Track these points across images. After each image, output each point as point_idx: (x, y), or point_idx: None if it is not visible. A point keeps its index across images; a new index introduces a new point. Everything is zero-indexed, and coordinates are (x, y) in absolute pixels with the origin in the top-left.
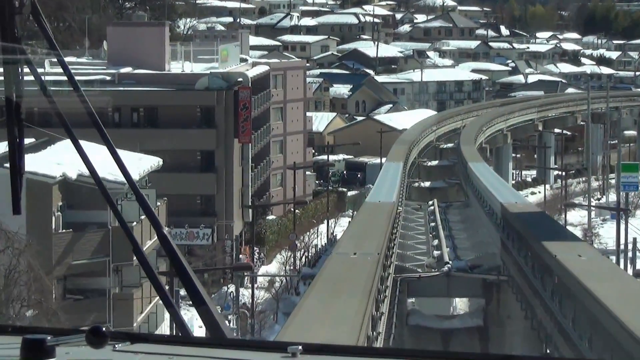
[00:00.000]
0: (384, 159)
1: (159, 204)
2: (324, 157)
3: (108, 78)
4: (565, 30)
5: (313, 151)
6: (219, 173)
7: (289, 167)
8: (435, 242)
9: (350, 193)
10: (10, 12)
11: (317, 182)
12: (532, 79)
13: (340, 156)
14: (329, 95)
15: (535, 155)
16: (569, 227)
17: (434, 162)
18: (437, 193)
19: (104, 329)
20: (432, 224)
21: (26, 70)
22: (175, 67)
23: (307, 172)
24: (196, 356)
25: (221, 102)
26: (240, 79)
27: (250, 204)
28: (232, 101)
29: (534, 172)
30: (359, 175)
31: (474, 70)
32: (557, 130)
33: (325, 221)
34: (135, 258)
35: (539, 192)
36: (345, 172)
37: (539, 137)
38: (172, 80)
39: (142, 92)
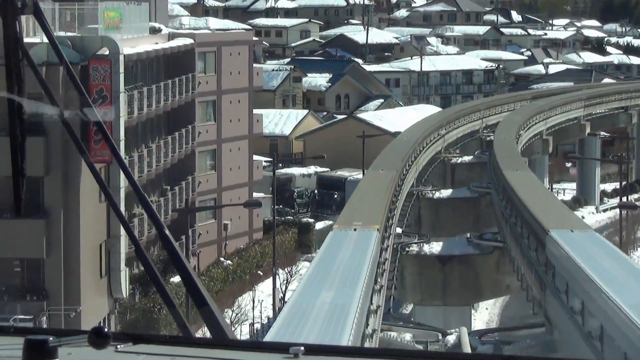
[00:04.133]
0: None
1: None
2: (288, 170)
3: None
4: (583, 17)
5: (275, 162)
6: (51, 218)
7: (225, 188)
8: None
9: (318, 225)
10: (12, 11)
11: (274, 207)
12: (553, 69)
13: (311, 169)
14: (302, 88)
15: (568, 164)
16: None
17: (446, 193)
18: (458, 272)
19: (106, 329)
20: None
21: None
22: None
23: (258, 195)
24: (198, 357)
25: (55, 87)
26: (103, 49)
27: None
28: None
29: (567, 186)
30: (335, 196)
31: (484, 60)
32: (603, 133)
33: (283, 271)
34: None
35: (583, 218)
36: (316, 191)
37: (579, 142)
38: None
39: None
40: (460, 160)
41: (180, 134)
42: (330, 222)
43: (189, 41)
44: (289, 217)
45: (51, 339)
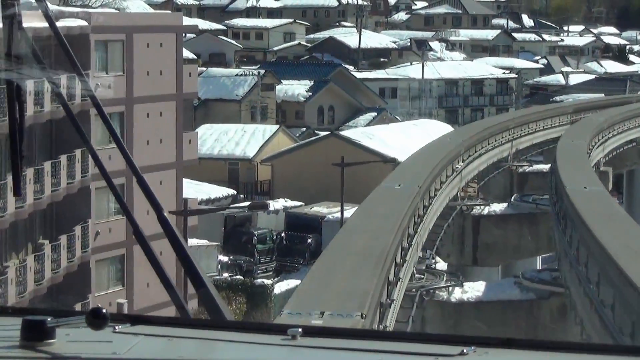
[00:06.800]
0: (347, 212)
1: None
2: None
3: None
4: (598, 23)
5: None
6: None
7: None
8: None
9: (279, 287)
10: None
11: (224, 257)
12: (573, 79)
13: (279, 203)
14: (275, 97)
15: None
16: None
17: (474, 290)
18: None
19: (104, 310)
20: None
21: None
22: None
23: (200, 242)
24: (196, 338)
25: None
26: None
27: None
28: None
29: None
30: (308, 241)
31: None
32: None
33: None
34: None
35: None
36: (284, 234)
37: (627, 172)
38: None
39: None
40: (486, 210)
41: (58, 162)
42: (297, 282)
43: (79, 23)
44: (237, 277)
45: (49, 319)
